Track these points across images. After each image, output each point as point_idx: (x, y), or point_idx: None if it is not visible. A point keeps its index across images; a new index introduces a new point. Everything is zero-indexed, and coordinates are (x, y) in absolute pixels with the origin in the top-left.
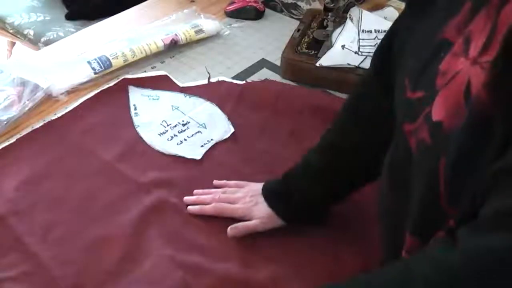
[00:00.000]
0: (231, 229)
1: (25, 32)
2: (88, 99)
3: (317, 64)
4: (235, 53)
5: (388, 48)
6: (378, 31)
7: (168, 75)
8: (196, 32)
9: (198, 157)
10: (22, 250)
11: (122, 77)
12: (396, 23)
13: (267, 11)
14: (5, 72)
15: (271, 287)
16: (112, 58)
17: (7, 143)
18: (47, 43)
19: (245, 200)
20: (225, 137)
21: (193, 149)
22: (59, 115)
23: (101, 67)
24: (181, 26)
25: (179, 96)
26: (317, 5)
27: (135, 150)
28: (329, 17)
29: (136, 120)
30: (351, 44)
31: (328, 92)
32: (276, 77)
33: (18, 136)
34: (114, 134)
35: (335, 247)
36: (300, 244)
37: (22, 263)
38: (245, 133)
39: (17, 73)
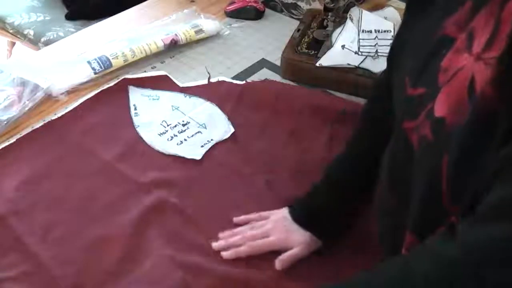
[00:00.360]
0: (279, 263)
1: (25, 32)
2: (88, 99)
3: (317, 64)
4: (235, 53)
5: (391, 48)
6: (378, 31)
7: (168, 75)
8: (196, 32)
9: (198, 157)
10: (22, 250)
11: (122, 77)
12: (401, 25)
13: (267, 11)
14: (5, 72)
15: (271, 287)
16: (112, 58)
17: (7, 143)
18: (47, 43)
19: (279, 230)
20: (225, 137)
21: (193, 149)
22: (59, 115)
23: (101, 67)
24: (181, 26)
25: (179, 96)
26: (317, 5)
27: (135, 150)
28: (329, 17)
29: (136, 120)
30: (351, 44)
31: (328, 92)
32: (276, 77)
33: (18, 136)
34: (114, 134)
35: (335, 247)
36: None
37: (22, 263)
38: (245, 133)
39: (17, 73)
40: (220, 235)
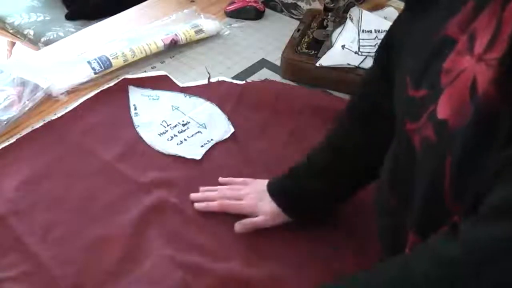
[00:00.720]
0: (238, 225)
1: (25, 32)
2: (88, 99)
3: (317, 64)
4: (235, 53)
5: (388, 46)
6: (378, 31)
7: (168, 75)
8: (196, 32)
9: (198, 157)
10: (22, 250)
11: (122, 77)
12: (395, 23)
13: (267, 11)
14: (5, 72)
15: (271, 287)
16: (112, 58)
17: (7, 143)
18: (47, 43)
19: (251, 196)
20: (225, 137)
21: (193, 149)
22: (59, 115)
23: (101, 67)
24: (181, 26)
25: (179, 96)
26: (317, 5)
27: (135, 150)
28: (329, 17)
29: (136, 120)
30: (351, 44)
31: (328, 92)
32: (276, 77)
33: (18, 136)
34: (114, 134)
35: (334, 247)
36: (300, 243)
37: (22, 263)
38: (245, 133)
39: (17, 73)
40: (201, 188)
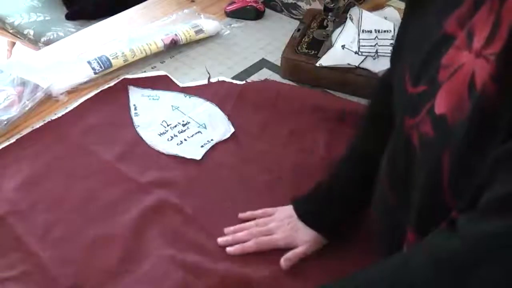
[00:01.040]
0: (285, 262)
1: (25, 32)
2: (88, 99)
3: (317, 64)
4: (235, 53)
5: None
6: (378, 31)
7: (168, 75)
8: (196, 32)
9: (198, 157)
10: (22, 250)
11: (122, 77)
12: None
13: (267, 11)
14: (5, 72)
15: (271, 287)
16: (112, 58)
17: (7, 143)
18: (47, 43)
19: (284, 228)
20: (225, 137)
21: (193, 149)
22: (59, 115)
23: (101, 67)
24: (181, 26)
25: (179, 96)
26: (317, 5)
27: (135, 150)
28: (329, 17)
29: (136, 120)
30: (351, 44)
31: (328, 92)
32: (276, 77)
33: (18, 136)
34: (114, 134)
35: (335, 247)
36: None
37: (22, 263)
38: (245, 133)
39: (17, 73)
40: (226, 230)
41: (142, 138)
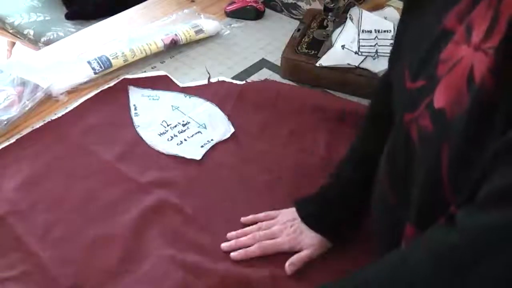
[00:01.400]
0: (289, 267)
1: (25, 32)
2: (88, 99)
3: (317, 64)
4: (235, 53)
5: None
6: (378, 31)
7: (168, 75)
8: (196, 32)
9: (198, 157)
10: (22, 250)
11: (122, 77)
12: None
13: (267, 11)
14: (5, 72)
15: (271, 287)
16: (112, 58)
17: (7, 143)
18: (47, 43)
19: (288, 231)
20: (225, 137)
21: (193, 149)
22: (59, 115)
23: (101, 67)
24: (181, 26)
25: (179, 96)
26: (317, 5)
27: (135, 150)
28: (329, 17)
29: (136, 120)
30: (351, 44)
31: (328, 92)
32: (276, 77)
33: (18, 136)
34: (114, 134)
35: (335, 247)
36: None
37: (22, 263)
38: (245, 133)
39: (17, 73)
40: (229, 235)
41: (142, 138)
